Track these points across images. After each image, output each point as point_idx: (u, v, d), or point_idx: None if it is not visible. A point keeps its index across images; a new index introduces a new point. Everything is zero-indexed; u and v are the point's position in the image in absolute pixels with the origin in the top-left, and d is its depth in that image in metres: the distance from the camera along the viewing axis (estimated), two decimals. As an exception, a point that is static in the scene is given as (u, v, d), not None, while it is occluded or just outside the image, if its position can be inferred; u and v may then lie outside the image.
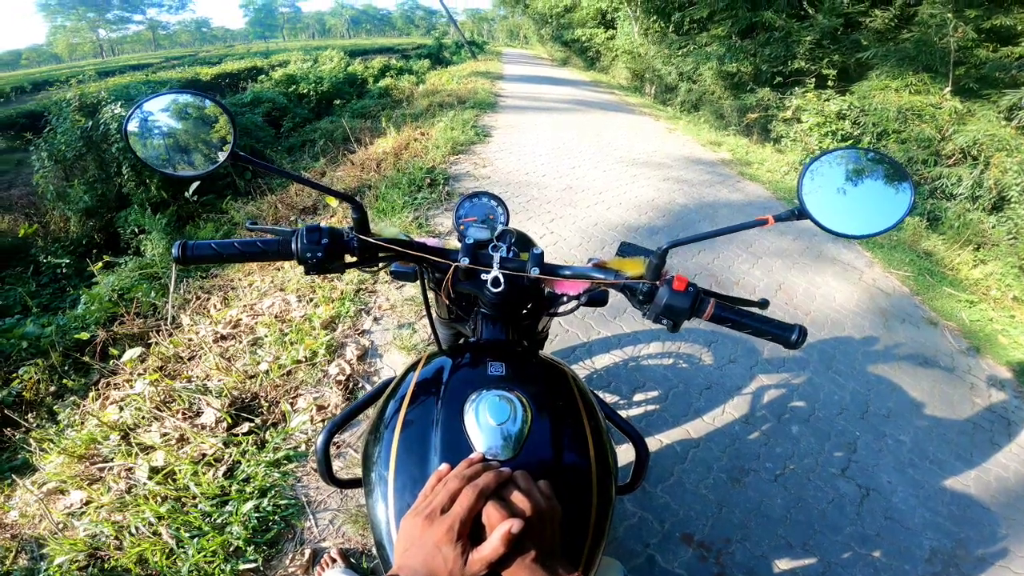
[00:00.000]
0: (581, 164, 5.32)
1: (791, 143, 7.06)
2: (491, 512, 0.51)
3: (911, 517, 1.81)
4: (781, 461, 1.93)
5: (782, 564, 1.60)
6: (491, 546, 0.48)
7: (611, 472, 0.70)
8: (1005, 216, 4.81)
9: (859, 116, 6.43)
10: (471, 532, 0.50)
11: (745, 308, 0.69)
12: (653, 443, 1.94)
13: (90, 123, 6.08)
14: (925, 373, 2.54)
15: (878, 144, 6.27)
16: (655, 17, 12.13)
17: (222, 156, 0.67)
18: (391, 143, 5.46)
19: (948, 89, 5.90)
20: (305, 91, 12.75)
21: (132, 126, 0.68)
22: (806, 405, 2.22)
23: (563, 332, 2.48)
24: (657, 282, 0.69)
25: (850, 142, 6.46)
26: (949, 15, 5.64)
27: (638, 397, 2.16)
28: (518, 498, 0.52)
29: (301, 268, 0.69)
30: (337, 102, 12.45)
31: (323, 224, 0.70)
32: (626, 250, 0.76)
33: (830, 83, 7.31)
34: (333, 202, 3.84)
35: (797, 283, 3.19)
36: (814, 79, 7.52)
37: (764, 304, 0.71)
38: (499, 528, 0.49)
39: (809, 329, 0.68)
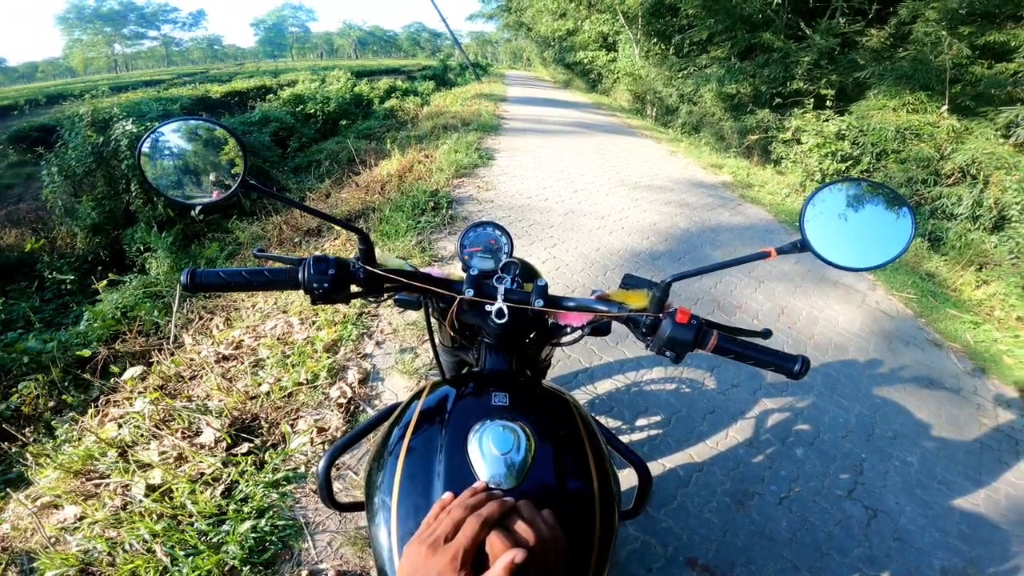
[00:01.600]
0: (583, 188, 5.36)
1: (791, 164, 7.12)
2: (494, 542, 0.50)
3: (920, 537, 1.78)
4: (786, 484, 1.91)
5: (788, 588, 1.56)
6: None
7: (614, 498, 0.70)
8: (1006, 235, 4.80)
9: (858, 136, 6.48)
10: (474, 561, 0.50)
11: (748, 339, 0.70)
12: (656, 467, 1.92)
13: (101, 139, 6.16)
14: (931, 395, 2.51)
15: (878, 164, 6.31)
16: (656, 40, 12.40)
17: (233, 184, 0.69)
18: (395, 165, 5.52)
19: (945, 107, 5.95)
20: (312, 111, 12.95)
21: (146, 151, 0.70)
22: (811, 428, 2.20)
23: (565, 358, 2.48)
24: (660, 315, 0.69)
25: (849, 163, 6.52)
26: (943, 33, 5.72)
27: (641, 422, 2.14)
28: (522, 528, 0.52)
29: (307, 298, 0.70)
30: (343, 122, 12.63)
31: (330, 255, 0.72)
32: (629, 282, 0.77)
33: (828, 103, 7.39)
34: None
35: (800, 307, 3.19)
36: (813, 99, 7.61)
37: (767, 334, 0.72)
38: (502, 558, 0.48)
39: (813, 353, 0.68)
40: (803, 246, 0.66)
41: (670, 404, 2.25)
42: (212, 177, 0.72)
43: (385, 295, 0.79)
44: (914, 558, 1.71)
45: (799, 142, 7.14)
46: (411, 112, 11.90)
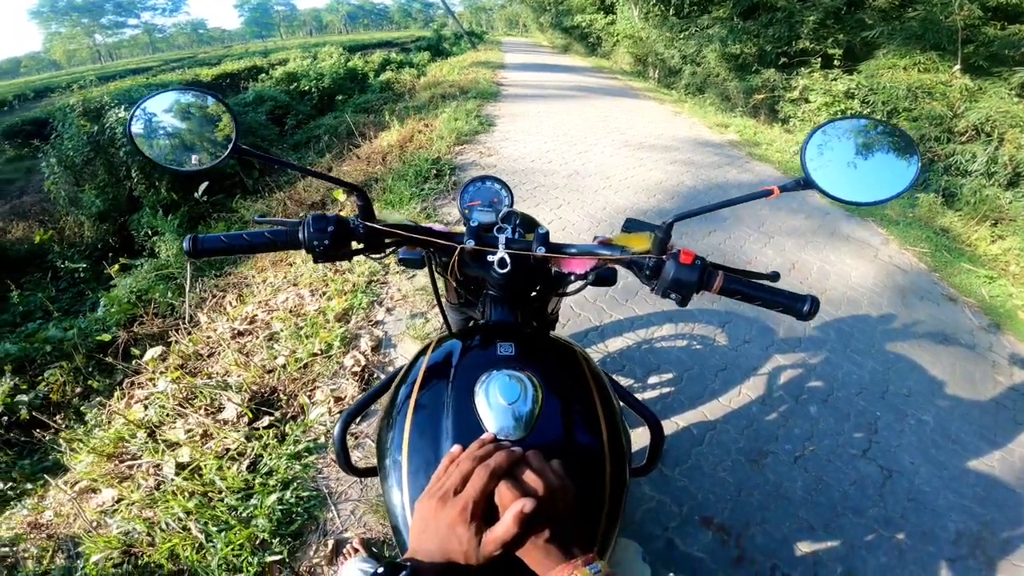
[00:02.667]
0: (587, 150, 5.28)
1: (799, 123, 6.97)
2: (504, 492, 0.51)
3: (935, 499, 1.78)
4: (800, 442, 1.92)
5: (804, 547, 1.58)
6: (504, 526, 0.48)
7: (624, 453, 0.69)
8: (1022, 192, 4.72)
9: (868, 95, 6.35)
10: (484, 512, 0.50)
11: (755, 280, 0.68)
12: (669, 426, 1.94)
13: (96, 128, 6.12)
14: (945, 351, 2.50)
15: (889, 122, 6.16)
16: (655, 1, 11.94)
17: (225, 150, 0.68)
18: (395, 136, 5.46)
19: (957, 67, 5.83)
20: (307, 88, 12.73)
21: (135, 125, 0.70)
22: (824, 385, 2.20)
23: (575, 316, 2.48)
24: (664, 256, 0.68)
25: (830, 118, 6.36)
26: None
27: (653, 380, 2.15)
28: (530, 477, 0.52)
29: (310, 257, 0.69)
30: (339, 98, 12.42)
31: (329, 213, 0.71)
32: (631, 226, 0.76)
33: (836, 63, 7.23)
34: (341, 196, 3.86)
35: (811, 262, 3.16)
36: (820, 59, 7.42)
37: (775, 277, 0.69)
38: (512, 508, 0.49)
39: (825, 308, 0.68)
40: (806, 183, 0.64)
41: (682, 361, 2.26)
42: (203, 144, 0.72)
43: (387, 251, 0.79)
44: (929, 520, 1.71)
45: (807, 101, 6.98)
46: (408, 83, 11.65)
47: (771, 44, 7.92)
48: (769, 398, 2.11)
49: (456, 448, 0.58)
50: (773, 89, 7.86)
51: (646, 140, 5.78)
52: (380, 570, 0.47)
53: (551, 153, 5.07)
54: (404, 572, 0.46)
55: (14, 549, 1.53)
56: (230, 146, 0.68)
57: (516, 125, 6.22)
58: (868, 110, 6.35)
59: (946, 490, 1.82)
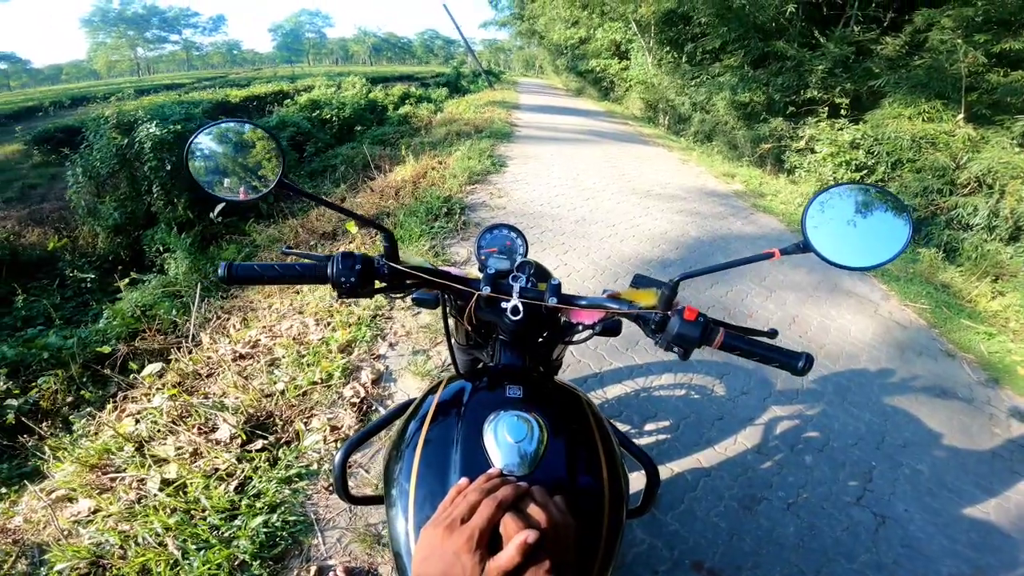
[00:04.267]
0: (595, 195, 5.38)
1: (805, 173, 7.06)
2: (508, 523, 0.53)
3: (929, 545, 1.76)
4: (794, 490, 1.90)
5: (795, 594, 1.55)
6: (507, 555, 0.50)
7: (623, 495, 0.72)
8: (1022, 247, 4.74)
9: (873, 145, 6.42)
10: (489, 542, 0.52)
11: (754, 337, 0.72)
12: (664, 471, 1.93)
13: (126, 141, 6.27)
14: (943, 404, 2.48)
15: (893, 173, 6.25)
16: (668, 48, 12.38)
17: (271, 183, 0.74)
18: (410, 171, 5.59)
19: (961, 116, 5.90)
20: (328, 116, 13.11)
21: (192, 152, 0.75)
22: (820, 435, 2.19)
23: (575, 362, 2.50)
24: (669, 312, 0.72)
25: (864, 172, 6.46)
26: (959, 40, 5.66)
27: (649, 427, 2.15)
28: (534, 510, 0.54)
29: (334, 292, 0.74)
30: (358, 128, 12.77)
31: (356, 252, 0.76)
32: (639, 282, 0.80)
33: (843, 112, 7.33)
34: (353, 228, 3.94)
35: (811, 316, 3.17)
36: (827, 108, 7.54)
37: (773, 334, 0.74)
38: (516, 538, 0.51)
39: (823, 362, 0.71)
40: (805, 247, 0.68)
41: (679, 410, 2.25)
42: (251, 175, 0.78)
43: (405, 292, 0.83)
44: (922, 565, 1.69)
45: (813, 151, 7.09)
46: (424, 119, 12.01)
47: (780, 92, 8.10)
48: (764, 447, 2.10)
49: (463, 480, 0.60)
50: (780, 139, 8.00)
51: (653, 188, 5.89)
52: None
53: (560, 198, 5.17)
54: None
55: None
56: (276, 179, 0.73)
57: (527, 167, 6.36)
58: (873, 160, 6.43)
59: (940, 536, 1.79)
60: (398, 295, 0.82)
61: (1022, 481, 2.08)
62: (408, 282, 0.80)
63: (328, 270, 0.73)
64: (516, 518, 0.53)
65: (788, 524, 1.77)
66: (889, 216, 0.69)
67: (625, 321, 0.84)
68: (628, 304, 0.77)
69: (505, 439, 0.66)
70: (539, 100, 17.52)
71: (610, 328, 0.86)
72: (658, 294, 0.74)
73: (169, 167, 6.00)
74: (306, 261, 0.75)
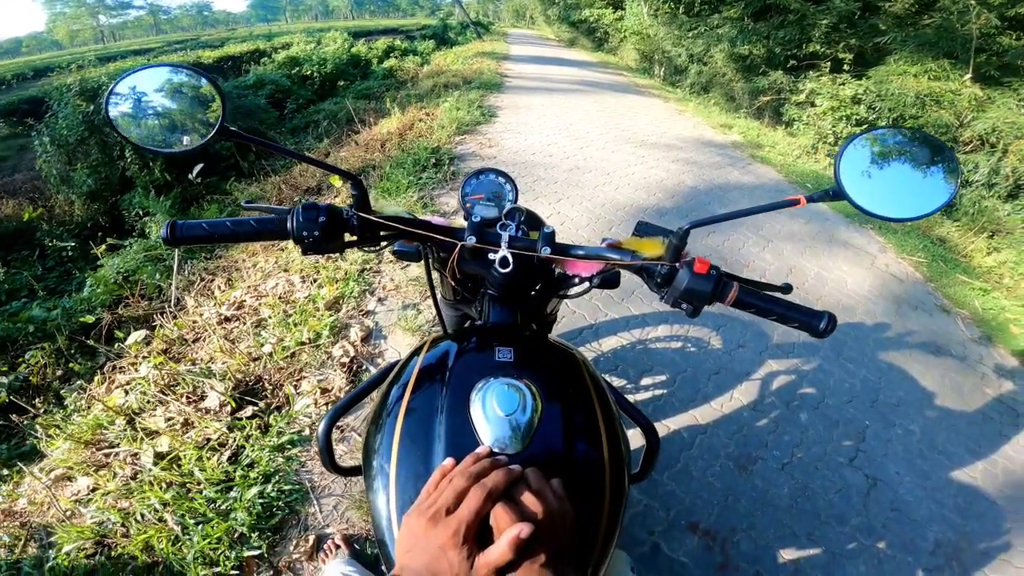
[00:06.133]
0: (588, 145, 5.24)
1: (804, 127, 6.93)
2: (500, 514, 0.48)
3: (917, 509, 1.78)
4: (789, 449, 1.91)
5: (787, 554, 1.58)
6: (499, 551, 0.46)
7: (624, 463, 0.67)
8: (1021, 204, 4.73)
9: (875, 101, 6.32)
10: (478, 534, 0.48)
11: (770, 293, 0.65)
12: (660, 429, 1.92)
13: (92, 107, 6.06)
14: (936, 362, 2.50)
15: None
16: (665, -3, 11.84)
17: (211, 131, 0.64)
18: (395, 124, 5.40)
19: (968, 76, 5.82)
20: (308, 73, 12.59)
21: (114, 103, 0.65)
22: (816, 392, 2.19)
23: (570, 313, 2.46)
24: (677, 264, 0.64)
25: (864, 127, 6.33)
26: (972, 2, 5.53)
27: (646, 381, 2.14)
28: (529, 499, 0.49)
29: (297, 248, 0.66)
30: (341, 83, 12.30)
31: (320, 202, 0.67)
32: (643, 230, 0.71)
33: (846, 67, 7.19)
34: (337, 182, 3.80)
35: (808, 267, 3.14)
36: (829, 63, 7.37)
37: (787, 289, 0.67)
38: (507, 533, 0.46)
39: None
40: (836, 194, 0.60)
41: (675, 363, 2.24)
42: (189, 124, 0.67)
43: (382, 244, 0.74)
44: (910, 530, 1.71)
45: (813, 104, 6.95)
46: (411, 72, 11.53)
47: (781, 46, 7.88)
48: (761, 403, 2.10)
49: (449, 461, 0.55)
50: (779, 92, 7.83)
51: (648, 137, 5.74)
52: None
53: (552, 147, 5.03)
54: None
55: None
56: (217, 127, 0.63)
57: (518, 117, 6.16)
58: (874, 116, 6.33)
59: (928, 500, 1.82)
60: (373, 248, 0.74)
61: (1008, 444, 2.10)
62: (383, 234, 0.72)
63: (288, 224, 0.64)
64: (508, 509, 0.48)
65: (783, 485, 1.78)
66: (932, 164, 0.62)
67: (625, 272, 0.77)
68: (631, 254, 0.69)
69: (495, 412, 0.60)
70: (530, 51, 16.79)
71: (608, 280, 0.79)
72: (665, 243, 0.66)
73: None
74: (265, 216, 0.66)
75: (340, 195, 3.72)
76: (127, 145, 5.99)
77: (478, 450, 0.57)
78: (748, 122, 7.37)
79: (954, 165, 0.61)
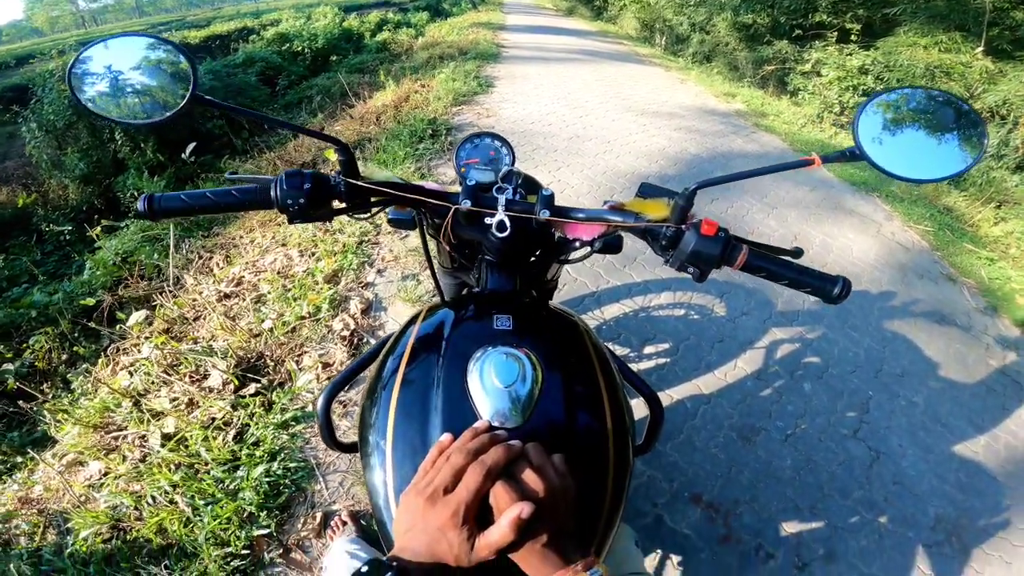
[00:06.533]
0: (588, 113, 5.13)
1: (809, 96, 6.80)
2: (500, 493, 0.46)
3: (919, 483, 1.78)
4: (792, 420, 1.91)
5: (789, 527, 1.59)
6: (499, 531, 0.44)
7: (628, 432, 0.65)
8: (1029, 175, 4.68)
9: (883, 72, 6.23)
10: (477, 514, 0.46)
11: (781, 257, 0.63)
12: (664, 399, 1.89)
13: None
14: (941, 331, 2.48)
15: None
16: (666, -36, 11.41)
17: (182, 101, 0.61)
18: (390, 96, 5.30)
19: (980, 49, 5.70)
20: (299, 49, 12.31)
21: (79, 78, 0.62)
22: (820, 361, 2.18)
23: (571, 281, 2.44)
24: (683, 226, 0.61)
25: (883, 87, 6.22)
26: None
27: (648, 350, 2.12)
28: (530, 477, 0.48)
29: (282, 217, 0.64)
30: (333, 59, 12.04)
31: (305, 169, 0.64)
32: (647, 191, 0.68)
33: (853, 38, 7.02)
34: (332, 156, 3.74)
35: (813, 234, 3.11)
36: (836, 33, 7.21)
37: (798, 253, 0.64)
38: (508, 513, 0.45)
39: None
40: (854, 154, 0.58)
41: (679, 331, 2.22)
42: (158, 95, 0.64)
43: (374, 211, 0.72)
44: (911, 504, 1.71)
45: (819, 74, 6.82)
46: (405, 44, 11.24)
47: (786, 15, 7.69)
48: (764, 372, 2.09)
49: (446, 437, 0.53)
50: (784, 61, 7.67)
51: (650, 106, 5.62)
52: (364, 569, 0.44)
53: (551, 116, 4.93)
54: (389, 573, 0.43)
55: (6, 526, 1.51)
56: (188, 95, 0.60)
57: (516, 87, 6.02)
58: (882, 87, 6.21)
59: (930, 474, 1.81)
60: (364, 215, 0.71)
61: (1011, 418, 2.08)
62: (374, 200, 0.69)
63: (272, 192, 0.62)
64: (509, 487, 0.46)
65: (786, 457, 1.78)
66: (956, 125, 0.59)
67: (628, 237, 0.74)
68: (634, 216, 0.66)
69: (493, 383, 0.57)
70: (527, 20, 16.31)
71: (611, 245, 0.77)
72: (670, 205, 0.63)
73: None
74: (248, 185, 0.64)
75: (336, 168, 3.68)
76: (117, 128, 5.91)
77: (476, 425, 0.55)
78: (752, 91, 7.20)
79: (980, 128, 0.58)
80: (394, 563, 0.44)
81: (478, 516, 0.46)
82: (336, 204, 0.67)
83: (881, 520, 1.65)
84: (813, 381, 2.08)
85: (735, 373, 2.07)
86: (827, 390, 2.05)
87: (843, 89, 6.34)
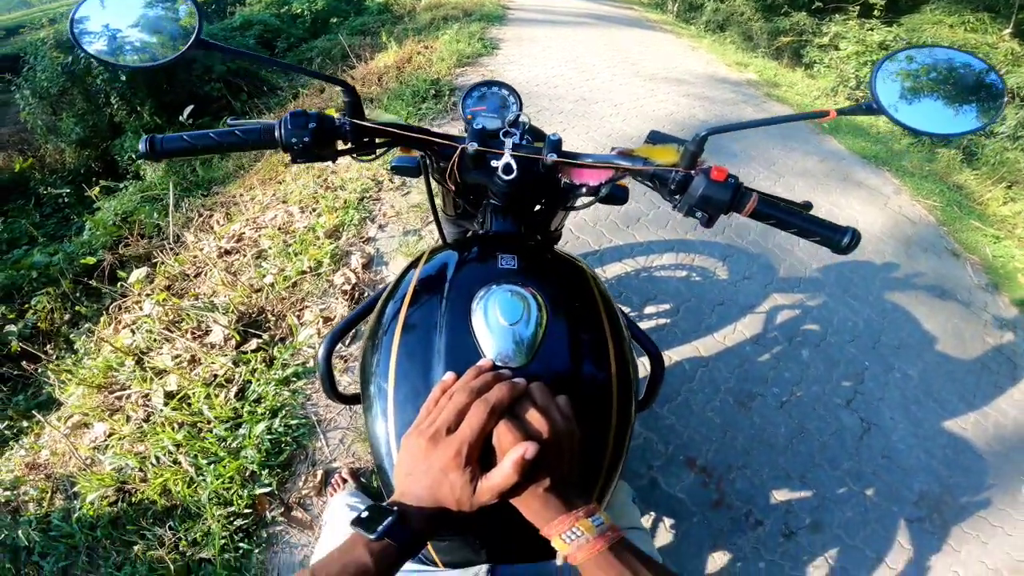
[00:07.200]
0: (596, 77, 5.01)
1: (825, 69, 6.65)
2: (503, 433, 0.45)
3: (907, 457, 1.80)
4: (788, 387, 1.92)
5: (779, 495, 1.62)
6: (502, 474, 0.43)
7: (631, 386, 0.64)
8: (1044, 156, 4.59)
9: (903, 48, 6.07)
10: (481, 455, 0.45)
11: (789, 206, 0.62)
12: (664, 360, 1.93)
13: (70, 59, 5.91)
14: (941, 306, 2.47)
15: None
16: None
17: (186, 43, 0.60)
18: (393, 57, 5.16)
19: (1008, 30, 5.67)
20: (299, 11, 11.94)
21: (80, 21, 0.62)
22: (819, 329, 2.18)
23: (574, 239, 2.43)
24: (692, 171, 0.60)
25: (903, 44, 6.09)
26: None
27: (649, 309, 2.13)
28: (534, 417, 0.46)
29: (286, 157, 0.63)
30: (334, 20, 11.67)
31: (311, 110, 0.63)
32: (656, 138, 0.67)
33: (877, 12, 6.86)
34: (335, 114, 3.68)
35: (820, 204, 3.07)
36: (859, 7, 6.99)
37: (808, 206, 0.64)
38: (511, 453, 0.44)
39: (826, 250, 0.61)
40: (870, 108, 0.57)
41: (680, 292, 2.22)
42: (161, 38, 0.64)
43: (379, 152, 0.71)
44: (897, 478, 1.73)
45: (837, 48, 6.64)
46: (407, 5, 10.86)
47: None
48: (763, 338, 2.10)
49: (449, 376, 0.52)
50: (801, 33, 7.46)
51: (659, 72, 5.47)
52: (364, 514, 0.43)
53: (558, 79, 4.82)
54: (390, 518, 0.42)
55: (15, 492, 1.53)
56: (193, 39, 0.60)
57: (522, 49, 5.86)
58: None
59: (918, 449, 1.83)
60: (368, 156, 0.71)
61: (1003, 397, 2.09)
62: (379, 141, 0.68)
63: (276, 132, 0.61)
64: (512, 427, 0.45)
65: (780, 424, 1.80)
66: (976, 83, 0.59)
67: (632, 187, 0.73)
68: (643, 161, 0.65)
69: (498, 321, 0.57)
70: (535, -18, 15.73)
71: (616, 195, 0.76)
72: (680, 151, 0.62)
73: (124, 76, 5.69)
74: (251, 125, 0.63)
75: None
76: (113, 91, 5.85)
77: (480, 363, 0.54)
78: (765, 62, 7.00)
79: (999, 86, 0.58)
80: (395, 507, 0.44)
81: (481, 458, 0.45)
82: (340, 145, 0.66)
83: (868, 493, 1.68)
84: (811, 348, 2.09)
85: (734, 337, 2.07)
86: (824, 358, 2.06)
87: (860, 64, 6.20)
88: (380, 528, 0.41)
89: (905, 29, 6.18)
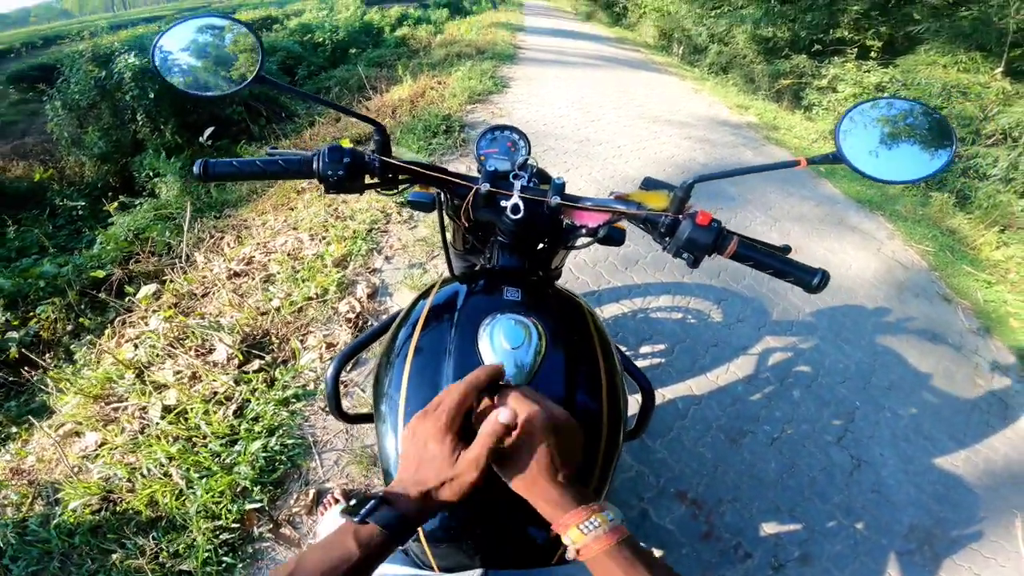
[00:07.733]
0: (601, 118, 5.19)
1: (823, 111, 6.83)
2: (483, 411, 0.49)
3: (897, 492, 1.80)
4: (779, 425, 1.95)
5: (769, 528, 1.62)
6: (479, 442, 0.46)
7: (621, 417, 0.69)
8: (1037, 199, 4.66)
9: (899, 90, 6.26)
10: (463, 431, 0.48)
11: (767, 249, 0.68)
12: (656, 397, 1.94)
13: (104, 73, 6.17)
14: (932, 349, 2.50)
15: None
16: (689, -25, 11.46)
17: (249, 77, 0.69)
18: (407, 91, 5.36)
19: (1000, 70, 5.75)
20: (320, 40, 12.45)
21: (161, 50, 0.72)
22: (810, 370, 2.22)
23: (573, 279, 2.49)
24: (680, 216, 0.68)
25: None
26: None
27: (645, 349, 2.17)
28: (516, 399, 0.49)
29: (318, 194, 0.71)
30: (353, 51, 12.15)
31: (344, 145, 0.71)
32: (650, 184, 0.75)
33: (873, 55, 7.06)
34: (347, 144, 3.81)
35: (814, 249, 3.14)
36: (856, 49, 7.24)
37: (787, 250, 0.70)
38: (487, 420, 0.47)
39: (821, 295, 0.68)
40: (836, 157, 0.63)
41: (675, 333, 2.27)
42: (227, 71, 0.73)
43: (399, 188, 0.79)
44: (887, 513, 1.74)
45: (835, 90, 6.85)
46: (423, 40, 11.31)
47: (807, 30, 7.72)
48: (755, 378, 2.13)
49: (454, 385, 0.55)
50: (801, 75, 7.70)
51: (662, 114, 5.66)
52: (352, 502, 0.45)
53: (564, 119, 4.99)
54: (372, 501, 0.45)
55: None
56: (255, 74, 0.69)
57: (531, 89, 6.08)
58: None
59: (909, 484, 1.84)
60: (391, 192, 0.79)
61: (994, 436, 2.11)
62: (401, 178, 0.76)
63: (314, 164, 0.69)
64: (491, 402, 0.49)
65: (770, 460, 1.82)
66: (930, 133, 0.65)
67: (630, 230, 0.80)
68: (636, 205, 0.72)
69: (501, 345, 0.62)
70: (546, 23, 16.34)
71: (613, 236, 0.81)
72: (670, 196, 0.69)
73: (152, 95, 5.92)
74: (291, 156, 0.71)
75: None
76: (139, 109, 6.06)
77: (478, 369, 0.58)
78: (766, 104, 7.23)
79: (950, 133, 0.64)
80: (381, 493, 0.46)
81: (467, 436, 0.48)
82: (368, 179, 0.73)
83: (857, 526, 1.68)
84: (802, 389, 2.12)
85: (727, 377, 2.11)
86: (815, 399, 2.09)
87: (860, 104, 6.38)
88: (363, 511, 0.43)
89: (900, 70, 6.33)
